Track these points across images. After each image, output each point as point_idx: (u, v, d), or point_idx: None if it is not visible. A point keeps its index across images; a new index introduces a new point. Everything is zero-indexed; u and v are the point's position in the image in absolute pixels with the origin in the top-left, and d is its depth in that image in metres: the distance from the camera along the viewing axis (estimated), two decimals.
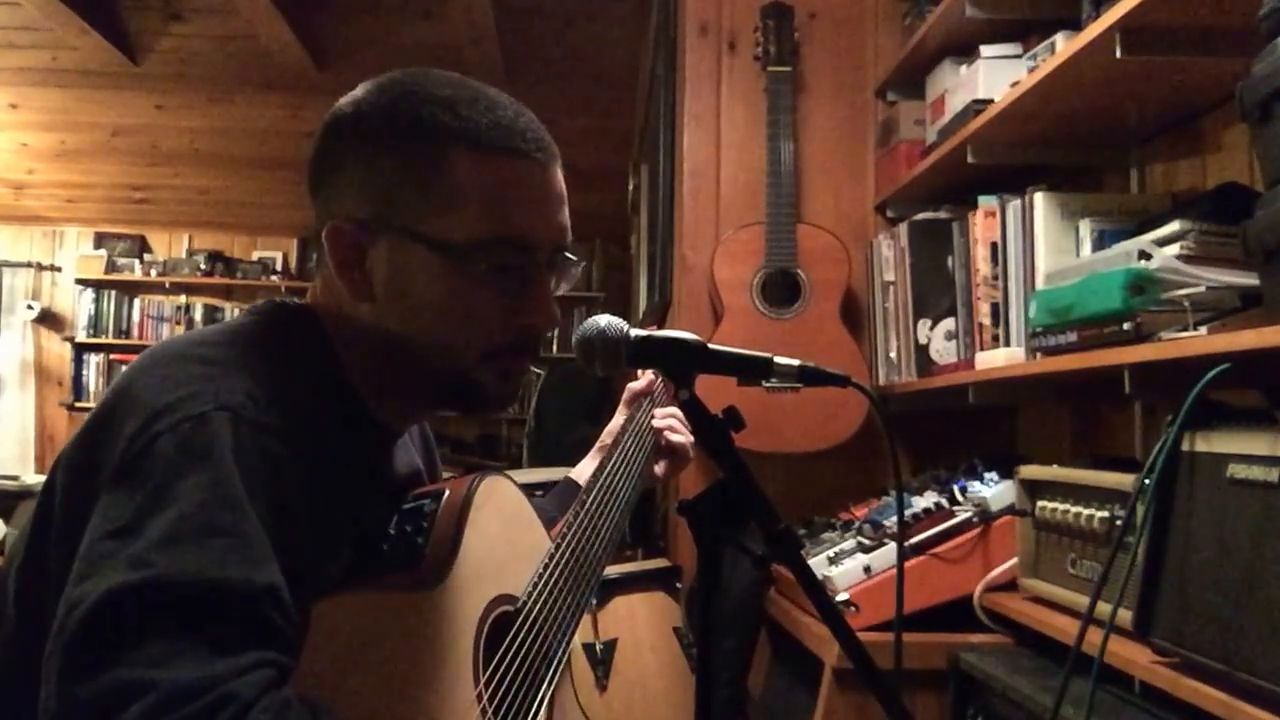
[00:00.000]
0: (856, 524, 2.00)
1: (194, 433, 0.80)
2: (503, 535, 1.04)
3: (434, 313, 0.95)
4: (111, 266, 7.38)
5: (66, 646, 0.72)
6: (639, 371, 1.47)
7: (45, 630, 0.77)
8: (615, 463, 1.27)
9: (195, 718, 0.68)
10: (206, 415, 0.81)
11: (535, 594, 1.04)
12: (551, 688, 1.03)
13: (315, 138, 1.00)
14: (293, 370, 0.92)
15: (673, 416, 1.38)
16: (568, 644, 1.07)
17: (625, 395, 1.43)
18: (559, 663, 1.05)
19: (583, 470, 1.40)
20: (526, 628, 1.01)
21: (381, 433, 1.03)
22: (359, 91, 1.00)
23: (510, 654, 0.97)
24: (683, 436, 1.38)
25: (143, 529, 0.75)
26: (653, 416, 1.38)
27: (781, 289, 2.48)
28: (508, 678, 0.96)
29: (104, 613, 0.71)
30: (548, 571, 1.07)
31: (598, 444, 1.42)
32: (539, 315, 0.99)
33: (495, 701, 0.94)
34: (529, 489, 1.18)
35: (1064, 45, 1.75)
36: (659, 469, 1.39)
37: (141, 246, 7.56)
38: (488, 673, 0.94)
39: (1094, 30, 1.56)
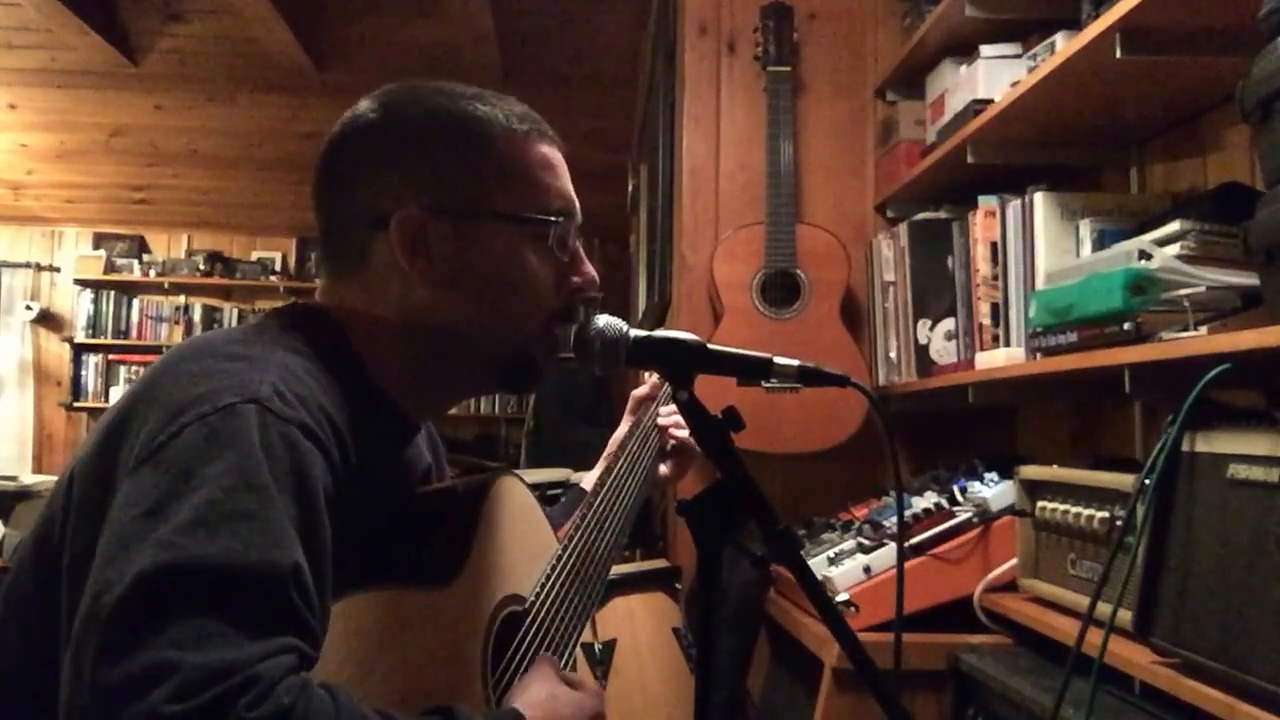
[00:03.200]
0: (856, 524, 2.00)
1: (221, 422, 0.80)
2: (513, 535, 1.04)
3: (503, 286, 1.01)
4: (110, 267, 7.37)
5: (101, 630, 0.71)
6: (644, 375, 1.47)
7: (50, 631, 0.77)
8: (621, 466, 1.28)
9: (221, 699, 0.68)
10: (234, 406, 0.81)
11: (542, 595, 1.04)
12: None
13: (331, 146, 1.03)
14: (317, 366, 0.92)
15: (678, 413, 1.38)
16: (574, 644, 1.08)
17: (630, 403, 1.43)
18: (565, 662, 1.05)
19: (591, 478, 1.40)
20: (534, 628, 1.01)
21: (405, 427, 1.04)
22: (373, 102, 1.04)
23: (519, 654, 0.98)
24: (688, 430, 1.38)
25: (169, 512, 0.75)
26: (657, 415, 1.39)
27: (781, 289, 2.47)
28: (516, 678, 0.96)
29: (133, 596, 0.71)
30: (555, 572, 1.07)
31: (605, 452, 1.42)
32: (587, 276, 1.08)
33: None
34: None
35: (1064, 45, 1.75)
36: (665, 469, 1.40)
37: (140, 247, 7.56)
38: (496, 673, 0.94)
39: (1094, 30, 1.56)
